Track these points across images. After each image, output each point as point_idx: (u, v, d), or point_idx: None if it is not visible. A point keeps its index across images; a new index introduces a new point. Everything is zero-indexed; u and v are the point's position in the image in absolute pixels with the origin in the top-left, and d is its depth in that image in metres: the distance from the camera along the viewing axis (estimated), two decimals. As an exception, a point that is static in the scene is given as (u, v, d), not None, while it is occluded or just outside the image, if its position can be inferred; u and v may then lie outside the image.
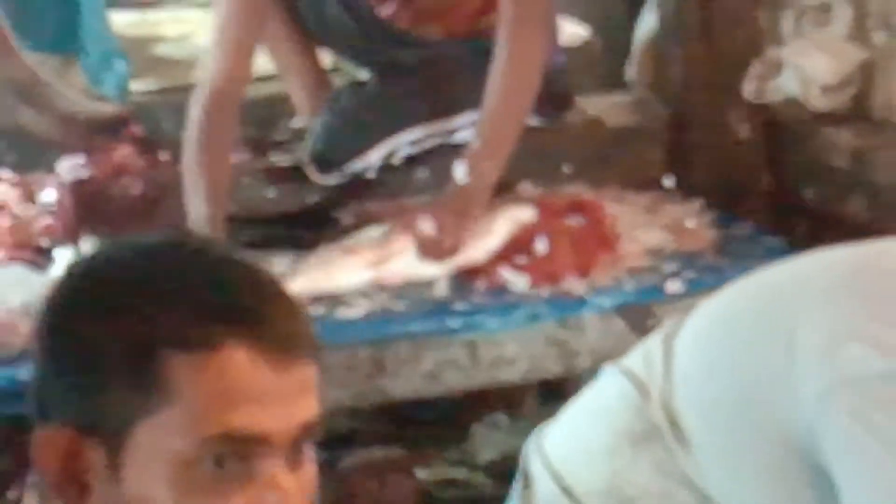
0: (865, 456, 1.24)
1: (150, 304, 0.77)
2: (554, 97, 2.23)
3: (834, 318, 1.32)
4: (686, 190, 2.24)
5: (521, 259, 1.97)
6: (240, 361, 0.75)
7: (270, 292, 0.83)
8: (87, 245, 1.99)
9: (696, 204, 2.14)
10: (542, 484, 1.55)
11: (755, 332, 1.42)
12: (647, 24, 2.54)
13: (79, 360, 0.79)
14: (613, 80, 2.67)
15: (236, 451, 0.74)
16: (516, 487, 1.59)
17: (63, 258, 1.99)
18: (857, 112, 2.26)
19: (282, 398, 0.78)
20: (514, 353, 1.94)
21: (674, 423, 1.44)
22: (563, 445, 1.56)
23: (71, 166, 2.09)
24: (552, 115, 2.27)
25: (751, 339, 1.42)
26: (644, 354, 1.49)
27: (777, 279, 1.48)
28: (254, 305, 0.78)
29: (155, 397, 0.74)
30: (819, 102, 2.27)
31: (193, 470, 0.73)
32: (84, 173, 2.09)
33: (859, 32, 2.28)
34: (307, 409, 0.78)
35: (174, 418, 0.73)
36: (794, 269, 1.48)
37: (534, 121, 2.12)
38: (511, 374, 1.96)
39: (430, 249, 2.00)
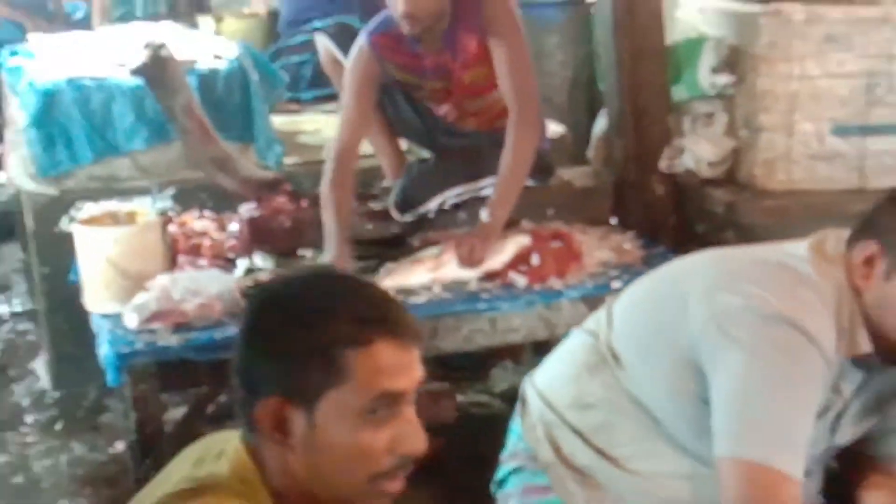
0: (727, 354, 1.53)
1: (327, 315, 1.01)
2: (542, 168, 2.74)
3: (708, 281, 1.64)
4: (624, 226, 2.77)
5: (522, 267, 2.43)
6: (387, 349, 0.97)
7: (394, 301, 1.09)
8: (258, 258, 2.51)
9: (630, 234, 2.67)
10: (533, 402, 1.85)
11: (663, 295, 1.75)
12: (600, 124, 3.16)
13: (284, 354, 1.01)
14: (579, 159, 3.28)
15: (388, 403, 0.96)
16: (517, 407, 1.88)
17: (242, 265, 2.49)
18: (729, 179, 2.82)
19: (410, 368, 1.00)
20: (517, 324, 2.39)
21: (614, 355, 1.75)
22: (546, 377, 1.86)
23: (247, 209, 2.59)
24: (541, 179, 2.78)
25: (661, 298, 1.76)
26: (595, 317, 1.82)
27: (676, 267, 1.84)
28: (390, 312, 1.02)
29: (337, 377, 0.95)
30: (706, 173, 2.83)
31: (363, 417, 0.95)
32: (255, 213, 2.58)
33: (731, 129, 2.79)
34: (420, 372, 1.00)
35: (351, 388, 0.95)
36: (686, 262, 1.83)
37: (530, 183, 2.60)
38: (516, 338, 2.45)
39: (466, 261, 2.46)
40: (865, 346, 1.56)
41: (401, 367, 1.00)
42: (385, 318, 1.01)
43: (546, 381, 1.80)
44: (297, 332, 1.02)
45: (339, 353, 0.97)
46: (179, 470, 1.16)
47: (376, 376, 0.97)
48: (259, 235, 2.55)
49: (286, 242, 2.57)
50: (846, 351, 1.56)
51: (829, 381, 1.58)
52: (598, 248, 2.62)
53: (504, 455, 1.86)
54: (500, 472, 1.85)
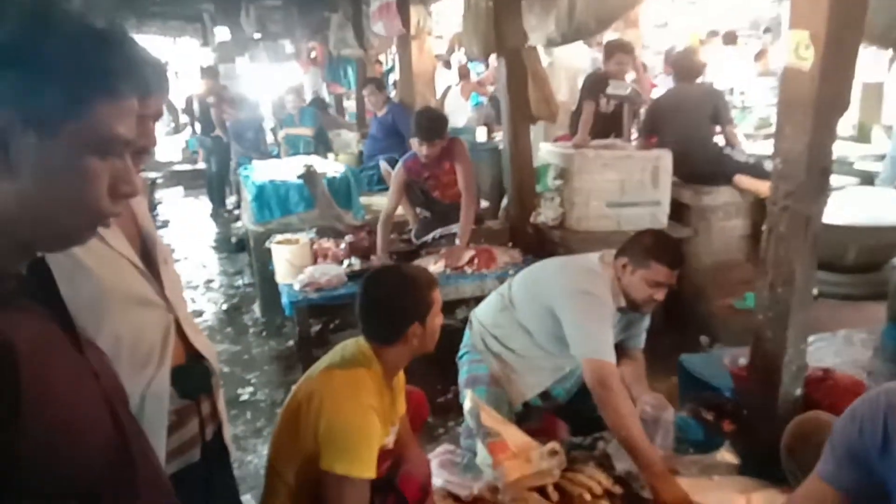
0: (567, 309, 2.24)
1: (414, 292, 1.70)
2: (478, 220, 4.18)
3: (555, 272, 2.39)
4: (515, 246, 4.13)
5: (470, 265, 3.79)
6: (438, 308, 1.76)
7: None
8: (353, 260, 3.84)
9: (518, 250, 4.03)
10: (475, 323, 2.61)
11: (534, 277, 2.47)
12: (504, 201, 4.58)
13: (392, 314, 1.67)
14: (495, 216, 4.73)
15: None
16: (468, 326, 2.67)
17: (346, 263, 3.82)
18: (561, 226, 4.12)
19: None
20: (469, 289, 3.69)
21: (512, 304, 2.47)
22: (481, 312, 2.63)
23: (349, 237, 4.04)
24: (478, 224, 4.16)
25: (532, 279, 2.48)
26: (503, 287, 2.63)
27: (539, 265, 2.58)
28: (435, 283, 1.81)
29: (420, 325, 1.70)
30: (550, 223, 4.12)
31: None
32: (352, 239, 4.02)
33: (562, 204, 4.08)
34: None
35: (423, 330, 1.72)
36: (544, 263, 2.57)
37: (474, 226, 3.95)
38: (467, 295, 3.72)
39: (449, 263, 3.78)
40: (622, 303, 2.32)
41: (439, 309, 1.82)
42: (435, 289, 1.75)
43: (481, 313, 2.61)
44: (402, 301, 1.64)
45: (419, 321, 1.69)
46: (331, 357, 1.71)
47: (434, 331, 1.76)
48: (354, 250, 3.99)
49: (365, 252, 3.97)
50: (615, 306, 2.30)
51: (616, 316, 2.32)
52: (504, 255, 4.02)
53: (462, 346, 2.63)
54: (460, 353, 2.64)
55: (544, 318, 2.37)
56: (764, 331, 2.14)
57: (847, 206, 4.15)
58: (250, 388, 3.58)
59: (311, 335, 3.74)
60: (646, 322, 2.61)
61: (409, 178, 3.98)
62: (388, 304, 1.69)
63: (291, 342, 4.03)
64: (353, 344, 1.72)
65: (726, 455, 2.30)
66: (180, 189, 9.86)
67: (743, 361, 2.58)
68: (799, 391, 2.15)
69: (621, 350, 2.55)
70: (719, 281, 4.34)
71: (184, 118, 12.11)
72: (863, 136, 6.73)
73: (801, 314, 2.06)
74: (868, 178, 5.52)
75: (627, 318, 2.46)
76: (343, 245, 4.00)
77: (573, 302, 2.28)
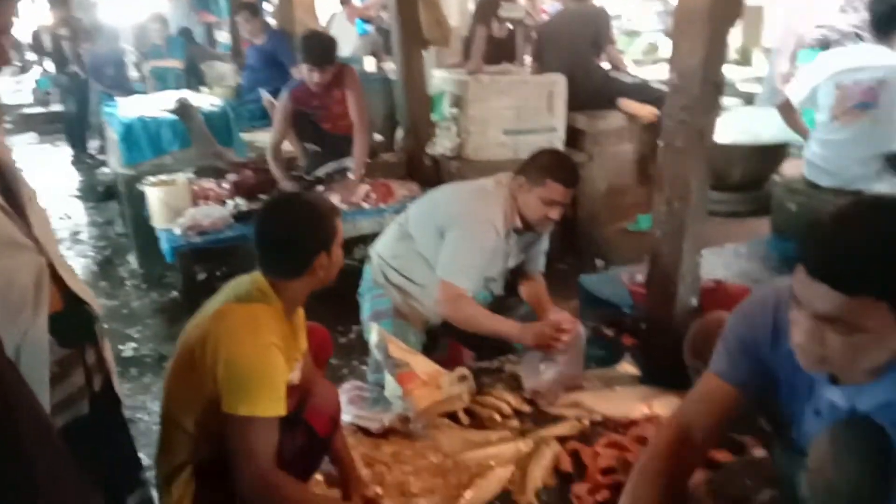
0: (452, 232, 2.30)
1: (319, 220, 1.61)
2: (372, 154, 4.13)
3: (447, 197, 2.43)
4: (412, 179, 4.13)
5: (368, 199, 3.77)
6: (341, 237, 1.66)
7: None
8: (238, 200, 3.71)
9: (415, 183, 4.02)
10: (374, 257, 2.59)
11: (430, 205, 2.48)
12: (399, 133, 4.50)
13: (298, 245, 1.58)
14: (389, 150, 4.68)
15: None
16: (367, 261, 2.67)
17: (230, 204, 3.68)
18: (458, 156, 4.11)
19: None
20: (366, 225, 3.63)
21: (409, 235, 2.47)
22: (380, 245, 2.61)
23: (232, 177, 3.92)
24: (372, 158, 4.12)
25: (431, 204, 2.48)
26: (400, 217, 2.59)
27: (433, 193, 2.57)
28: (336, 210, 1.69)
29: (326, 255, 1.61)
30: (448, 154, 4.11)
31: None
32: (235, 179, 3.90)
33: (458, 134, 4.06)
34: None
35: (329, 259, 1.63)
36: (438, 190, 2.55)
37: (368, 160, 3.92)
38: (366, 230, 3.61)
39: (345, 199, 3.70)
40: (518, 223, 2.37)
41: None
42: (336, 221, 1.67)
43: (380, 247, 2.61)
44: (301, 231, 1.61)
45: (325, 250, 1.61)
46: (223, 296, 1.62)
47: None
48: (239, 190, 3.86)
49: (250, 192, 3.83)
50: (510, 226, 2.35)
51: (502, 243, 2.33)
52: (402, 188, 4.02)
53: (362, 283, 2.63)
54: (360, 290, 2.63)
55: (440, 244, 2.38)
56: (660, 246, 2.27)
57: (731, 127, 4.45)
58: (133, 344, 3.44)
59: (197, 283, 3.60)
60: (544, 244, 2.68)
61: (296, 107, 3.85)
62: (294, 235, 1.63)
63: (175, 293, 3.92)
64: (246, 281, 1.66)
65: (627, 367, 2.44)
66: (33, 135, 9.11)
67: (640, 278, 2.73)
68: (694, 301, 2.31)
69: (522, 273, 2.65)
70: (612, 205, 4.52)
71: (32, 55, 11.11)
72: (744, 59, 7.16)
73: (696, 227, 2.19)
74: (750, 100, 5.92)
75: (525, 239, 2.51)
76: (226, 185, 3.86)
77: (460, 224, 2.32)
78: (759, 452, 1.96)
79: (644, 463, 1.41)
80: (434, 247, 2.43)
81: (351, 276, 2.67)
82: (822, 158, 3.20)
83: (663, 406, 2.17)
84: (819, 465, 1.23)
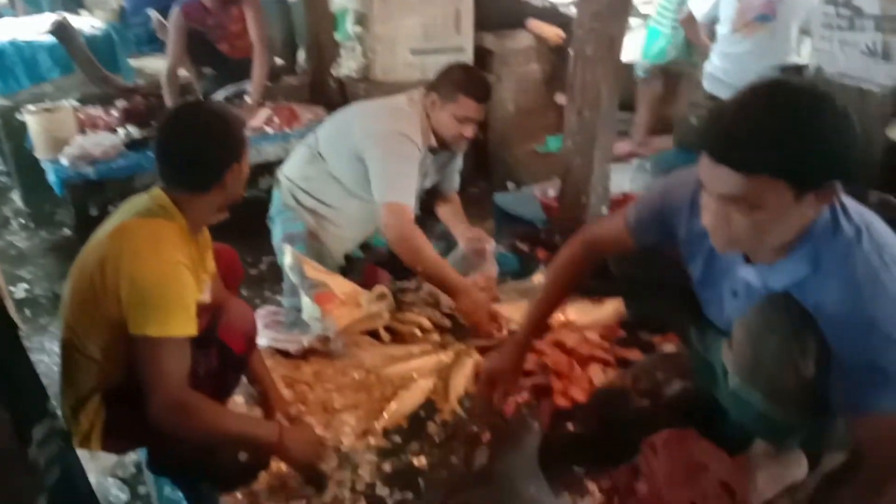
0: (374, 152, 2.21)
1: (230, 128, 1.51)
2: (272, 77, 3.94)
3: (361, 116, 2.33)
4: (316, 103, 3.98)
5: (270, 124, 3.61)
6: (248, 149, 1.57)
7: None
8: (129, 128, 3.45)
9: (320, 107, 3.88)
10: (283, 181, 2.49)
11: (345, 120, 2.39)
12: (300, 55, 4.39)
13: (209, 155, 1.49)
14: (291, 73, 4.47)
15: None
16: (275, 185, 2.56)
17: (121, 132, 3.43)
18: (364, 78, 3.94)
19: None
20: (272, 151, 3.50)
21: (320, 156, 2.38)
22: (288, 168, 2.52)
23: (121, 103, 3.66)
24: (273, 82, 3.95)
25: (343, 123, 2.39)
26: (308, 138, 2.51)
27: (343, 113, 2.46)
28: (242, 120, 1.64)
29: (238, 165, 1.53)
30: (353, 75, 3.96)
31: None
32: (125, 105, 3.64)
33: (363, 54, 3.89)
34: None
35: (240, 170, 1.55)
36: (349, 110, 2.46)
37: (268, 83, 3.76)
38: (271, 157, 3.47)
39: (248, 120, 3.47)
40: (433, 142, 2.33)
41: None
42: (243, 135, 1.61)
43: (289, 169, 2.54)
44: (206, 142, 1.52)
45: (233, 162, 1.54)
46: (119, 216, 1.51)
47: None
48: (130, 117, 3.60)
49: (141, 118, 3.57)
50: (426, 144, 2.31)
51: (421, 159, 2.30)
52: (307, 112, 3.86)
53: (271, 208, 2.54)
54: (270, 214, 2.54)
55: (355, 166, 2.34)
56: (572, 156, 2.30)
57: (634, 45, 4.50)
58: (25, 285, 3.23)
59: (91, 219, 3.32)
60: (458, 163, 2.66)
61: (190, 24, 3.60)
62: (204, 144, 1.51)
63: (67, 230, 3.68)
64: (144, 198, 1.54)
65: (542, 278, 2.48)
66: None
67: (552, 193, 2.79)
68: (605, 210, 2.37)
69: (437, 193, 2.63)
70: (522, 127, 4.53)
71: None
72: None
73: (606, 136, 2.23)
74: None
75: (440, 159, 2.48)
76: (115, 112, 3.59)
77: (379, 144, 2.26)
78: (669, 348, 2.06)
79: (561, 259, 1.71)
80: (349, 170, 2.37)
81: (257, 207, 2.59)
82: (722, 71, 3.29)
83: (577, 312, 2.22)
84: (743, 343, 1.29)
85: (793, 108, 1.09)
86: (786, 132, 1.07)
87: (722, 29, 3.30)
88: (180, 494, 1.62)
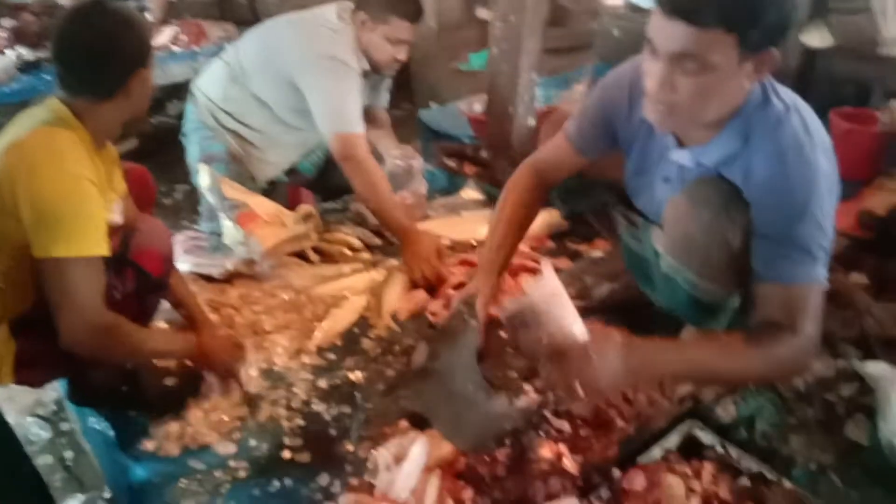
0: (309, 79, 2.10)
1: (137, 29, 1.39)
2: None
3: (302, 37, 2.15)
4: (228, 19, 3.82)
5: (182, 42, 3.43)
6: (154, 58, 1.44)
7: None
8: (20, 49, 3.18)
9: (232, 24, 3.71)
10: (200, 97, 2.35)
11: (272, 38, 2.23)
12: None
13: (115, 57, 1.36)
14: None
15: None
16: (189, 100, 2.39)
17: (11, 54, 3.15)
18: None
19: None
20: (178, 73, 3.26)
21: (242, 72, 2.24)
22: (205, 85, 2.35)
23: (9, 22, 3.33)
24: None
25: (269, 41, 2.22)
26: (227, 52, 2.36)
27: (281, 21, 2.27)
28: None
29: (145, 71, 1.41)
30: None
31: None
32: (14, 25, 3.33)
33: None
34: None
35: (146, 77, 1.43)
36: (269, 26, 2.29)
37: None
38: (179, 79, 3.19)
39: None
40: (365, 65, 2.23)
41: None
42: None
43: (206, 85, 2.38)
44: (111, 42, 1.39)
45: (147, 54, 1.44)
46: (12, 131, 1.39)
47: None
48: (20, 37, 3.31)
49: (33, 39, 3.30)
50: (361, 68, 2.21)
51: (362, 81, 2.21)
52: (216, 29, 3.62)
53: (185, 123, 2.39)
54: (183, 130, 2.40)
55: (284, 90, 2.23)
56: (499, 64, 2.26)
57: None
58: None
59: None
60: (388, 82, 2.57)
61: None
62: (111, 45, 1.39)
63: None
64: (39, 109, 1.41)
65: (470, 192, 2.48)
66: None
67: (478, 108, 2.75)
68: (532, 121, 2.35)
69: (367, 112, 2.45)
70: (443, 46, 4.45)
71: None
72: None
73: (532, 41, 2.19)
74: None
75: (371, 81, 2.39)
76: (2, 33, 3.26)
77: (315, 70, 2.15)
78: (596, 254, 2.10)
79: (507, 194, 1.63)
80: (280, 95, 2.25)
81: (166, 133, 2.48)
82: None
83: (507, 224, 2.22)
84: (675, 221, 1.33)
85: None
86: None
87: (642, -63, 3.28)
88: (106, 424, 1.57)
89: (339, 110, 2.14)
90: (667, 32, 1.13)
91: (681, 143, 1.35)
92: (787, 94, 1.27)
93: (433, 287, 2.00)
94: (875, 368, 1.54)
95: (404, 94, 4.06)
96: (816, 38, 2.69)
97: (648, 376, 1.29)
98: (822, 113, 2.37)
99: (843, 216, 2.10)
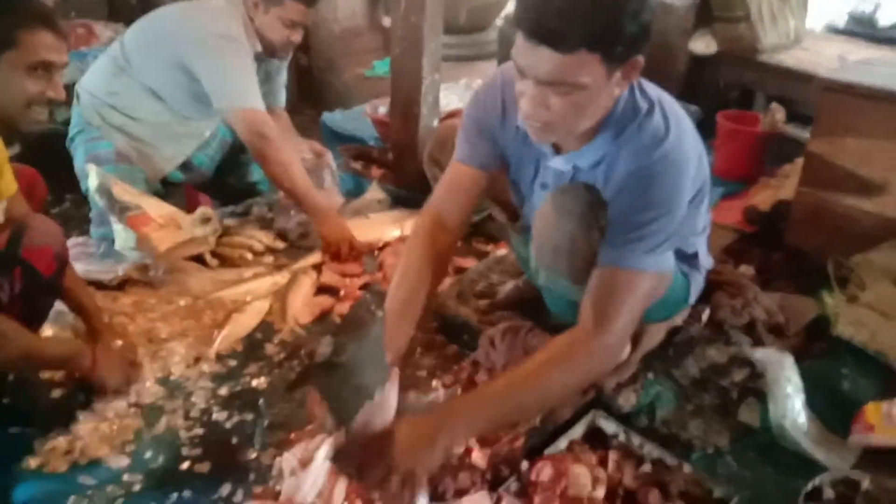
0: (203, 60, 2.02)
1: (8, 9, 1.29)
2: None
3: (190, 19, 2.11)
4: (118, 20, 3.65)
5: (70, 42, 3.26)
6: (47, 36, 1.30)
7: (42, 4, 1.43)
8: None
9: (122, 24, 3.51)
10: (84, 96, 2.25)
11: (157, 25, 2.15)
12: None
13: None
14: None
15: (44, 68, 1.31)
16: (74, 101, 2.25)
17: None
18: None
19: (60, 51, 1.35)
20: None
21: (128, 63, 2.18)
22: (90, 82, 2.27)
23: None
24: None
25: (155, 28, 2.14)
26: (113, 46, 2.26)
27: (167, 8, 2.23)
28: (47, 10, 1.36)
29: (12, 45, 1.28)
30: None
31: (28, 72, 1.30)
32: None
33: None
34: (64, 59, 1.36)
35: (19, 54, 1.29)
36: (173, 6, 2.22)
37: None
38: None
39: None
40: (258, 47, 2.19)
41: (54, 48, 1.36)
42: (44, 15, 1.37)
43: (89, 83, 2.30)
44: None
45: (14, 31, 1.31)
46: None
47: (37, 49, 1.33)
48: None
49: None
50: (253, 49, 2.18)
51: (255, 65, 2.17)
52: (106, 30, 3.47)
53: (71, 128, 2.28)
54: (70, 135, 2.28)
55: (174, 75, 2.15)
56: (401, 65, 2.26)
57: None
58: None
59: None
60: (283, 77, 2.52)
61: None
62: None
63: None
64: None
65: (375, 194, 2.47)
66: None
67: (383, 110, 2.75)
68: (436, 122, 2.36)
69: (266, 110, 2.46)
70: (348, 51, 4.43)
71: None
72: None
73: (433, 42, 2.20)
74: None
75: (265, 68, 2.34)
76: None
77: (208, 48, 2.08)
78: (501, 252, 2.13)
79: (407, 250, 1.46)
80: (168, 81, 2.16)
81: (54, 140, 2.27)
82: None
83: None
84: (542, 231, 1.34)
85: None
86: (599, 4, 1.10)
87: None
88: (-13, 441, 1.47)
89: (238, 86, 2.09)
90: (534, 59, 1.14)
91: (557, 150, 1.38)
92: (653, 91, 1.32)
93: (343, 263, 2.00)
94: (764, 354, 1.62)
95: (308, 100, 4.02)
96: (702, 45, 2.85)
97: (459, 437, 1.22)
98: (709, 116, 2.62)
99: (730, 212, 2.36)
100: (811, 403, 1.54)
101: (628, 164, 1.26)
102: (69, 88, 2.68)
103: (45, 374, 1.62)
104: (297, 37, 2.25)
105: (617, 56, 1.15)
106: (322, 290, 2.00)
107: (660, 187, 1.24)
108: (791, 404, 1.51)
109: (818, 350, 1.78)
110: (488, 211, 1.69)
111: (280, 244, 2.21)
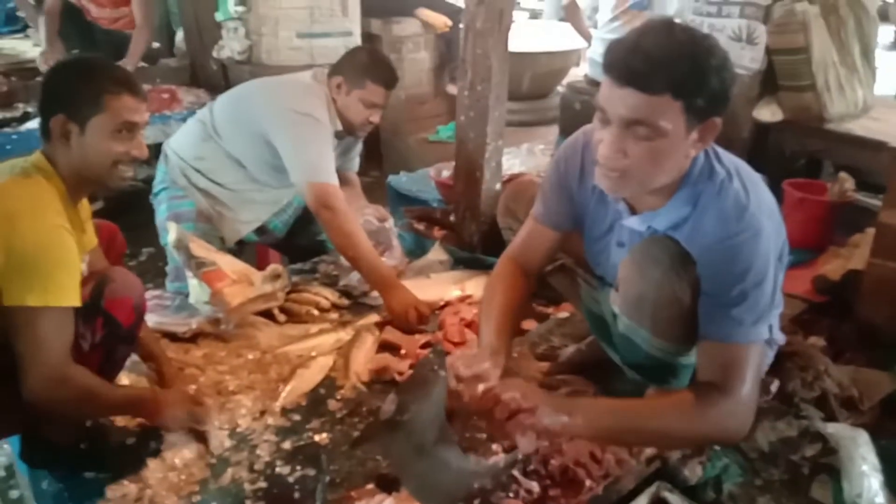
0: (282, 133, 2.14)
1: (71, 76, 1.39)
2: (149, 59, 3.81)
3: (266, 93, 2.24)
4: (198, 85, 3.90)
5: (152, 107, 3.43)
6: (129, 99, 1.39)
7: (123, 69, 1.50)
8: None
9: (204, 90, 3.82)
10: (171, 156, 2.37)
11: (245, 97, 2.29)
12: (179, 36, 4.18)
13: (42, 97, 1.38)
14: (168, 55, 4.27)
15: (128, 129, 1.39)
16: (161, 160, 2.42)
17: None
18: (249, 60, 3.81)
19: (141, 111, 1.43)
20: (151, 134, 3.27)
21: (216, 131, 2.30)
22: (177, 144, 2.39)
23: None
24: (151, 63, 3.81)
25: (242, 100, 2.29)
26: (202, 112, 2.40)
27: (242, 89, 2.37)
28: (128, 77, 1.43)
29: (99, 109, 1.37)
30: (238, 58, 3.79)
31: (112, 134, 1.37)
32: None
33: (247, 35, 3.75)
34: (146, 116, 1.45)
35: (106, 117, 1.37)
36: (248, 86, 2.36)
37: (143, 64, 3.66)
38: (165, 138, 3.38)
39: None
40: (339, 126, 2.29)
41: (136, 110, 1.44)
42: (126, 80, 1.44)
43: (178, 145, 2.41)
44: (78, 84, 1.39)
45: (101, 97, 1.39)
46: None
47: (121, 112, 1.40)
48: None
49: (7, 100, 3.36)
50: (333, 128, 2.26)
51: (334, 141, 2.26)
52: (188, 95, 3.75)
53: (156, 184, 2.43)
54: (154, 190, 2.43)
55: (257, 147, 2.26)
56: (466, 130, 2.33)
57: (520, 38, 4.64)
58: None
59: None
60: (359, 146, 2.62)
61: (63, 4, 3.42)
62: (43, 84, 1.43)
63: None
64: (19, 160, 1.42)
65: (438, 254, 2.51)
66: None
67: (446, 173, 2.82)
68: (498, 186, 2.41)
69: (338, 175, 2.42)
70: (412, 116, 4.58)
71: None
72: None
73: (498, 110, 2.27)
74: (535, 15, 6.22)
75: (344, 143, 2.44)
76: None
77: (288, 124, 2.18)
78: (562, 314, 2.13)
79: (487, 295, 1.54)
80: (251, 151, 2.28)
81: (134, 197, 2.48)
82: (603, 56, 3.40)
83: (475, 286, 2.25)
84: (627, 281, 1.36)
85: (690, 36, 1.18)
86: (685, 54, 1.16)
87: (602, 16, 3.45)
88: (60, 486, 1.50)
89: (313, 161, 2.16)
90: (618, 100, 1.18)
91: (632, 210, 1.40)
92: (730, 159, 1.33)
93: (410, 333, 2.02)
94: (837, 429, 1.57)
95: (374, 162, 4.16)
96: (767, 113, 2.83)
97: (575, 423, 1.22)
98: (775, 184, 2.59)
99: (799, 282, 2.31)
100: (890, 485, 1.47)
101: (714, 231, 1.26)
102: (152, 148, 3.06)
103: (120, 421, 1.66)
104: (375, 118, 2.34)
105: (698, 109, 1.18)
106: (384, 347, 2.01)
107: (750, 256, 1.23)
108: (868, 483, 1.45)
109: (895, 427, 1.70)
110: (561, 261, 1.72)
111: (345, 301, 2.26)
